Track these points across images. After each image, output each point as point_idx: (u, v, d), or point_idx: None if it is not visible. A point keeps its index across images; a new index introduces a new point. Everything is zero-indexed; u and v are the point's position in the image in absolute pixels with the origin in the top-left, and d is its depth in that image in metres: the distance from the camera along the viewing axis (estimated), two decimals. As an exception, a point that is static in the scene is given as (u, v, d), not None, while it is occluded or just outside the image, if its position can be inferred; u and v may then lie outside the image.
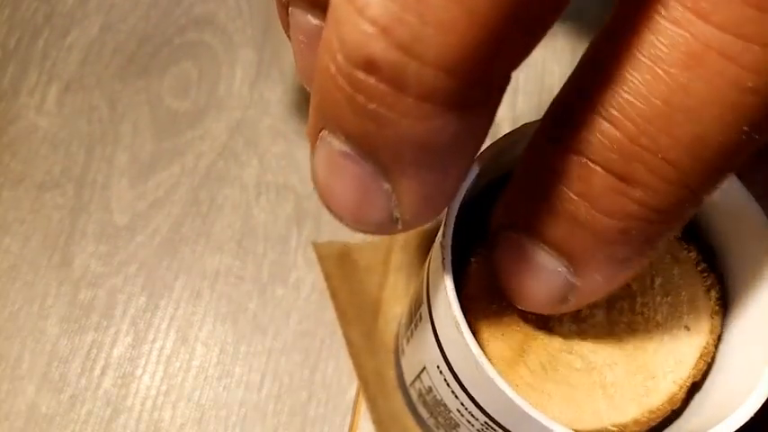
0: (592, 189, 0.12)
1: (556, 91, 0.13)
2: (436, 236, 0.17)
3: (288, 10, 0.15)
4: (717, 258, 0.18)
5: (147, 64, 0.32)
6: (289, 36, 0.16)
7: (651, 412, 0.17)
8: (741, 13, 0.10)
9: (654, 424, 0.17)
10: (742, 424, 0.15)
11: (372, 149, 0.11)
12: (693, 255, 0.18)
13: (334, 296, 0.28)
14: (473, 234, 0.18)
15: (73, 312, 0.27)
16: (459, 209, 0.16)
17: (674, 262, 0.18)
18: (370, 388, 0.26)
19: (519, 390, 0.17)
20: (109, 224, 0.29)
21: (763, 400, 0.15)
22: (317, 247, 0.28)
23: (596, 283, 0.13)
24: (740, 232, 0.17)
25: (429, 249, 0.28)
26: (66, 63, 0.32)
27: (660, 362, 0.17)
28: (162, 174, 0.30)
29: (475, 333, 0.17)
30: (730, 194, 0.17)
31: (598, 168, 0.12)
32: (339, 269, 0.28)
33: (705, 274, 0.18)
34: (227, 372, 0.27)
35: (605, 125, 0.11)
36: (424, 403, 0.21)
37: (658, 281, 0.18)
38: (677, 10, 0.10)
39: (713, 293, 0.18)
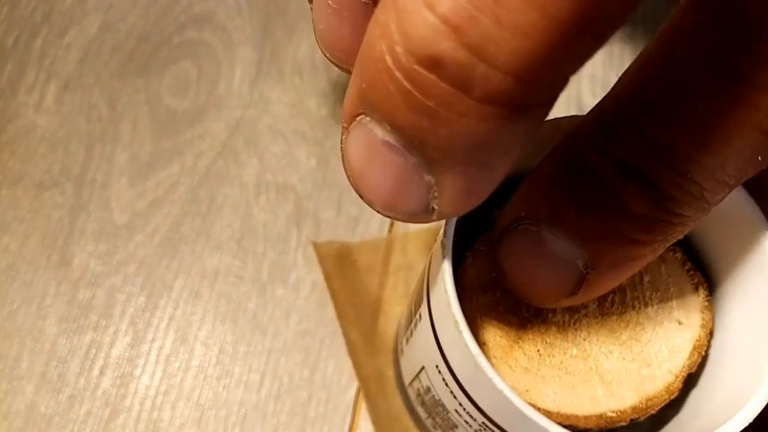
0: (629, 197, 0.13)
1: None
2: (437, 236, 0.17)
3: None
4: (703, 258, 0.19)
5: (147, 63, 0.32)
6: None
7: (649, 399, 0.17)
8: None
9: (653, 411, 0.17)
10: (746, 425, 0.15)
11: (421, 144, 0.11)
12: (679, 255, 0.19)
13: (334, 296, 0.27)
14: (471, 235, 0.18)
15: (72, 312, 0.27)
16: None
17: (660, 261, 0.19)
18: (370, 388, 0.26)
19: (515, 374, 0.17)
20: (108, 223, 0.29)
21: (765, 402, 0.15)
22: (317, 246, 0.28)
23: (607, 277, 0.14)
24: (730, 231, 0.18)
25: (428, 249, 0.28)
26: (64, 61, 0.32)
27: (654, 351, 0.18)
28: (161, 173, 0.30)
29: (471, 322, 0.17)
30: None
31: (639, 180, 0.13)
32: (339, 269, 0.28)
33: (691, 273, 0.19)
34: (226, 371, 0.27)
35: (653, 150, 0.13)
36: (423, 403, 0.21)
37: (647, 278, 0.19)
38: (721, 66, 0.12)
39: (701, 290, 0.18)
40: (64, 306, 0.27)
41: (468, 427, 0.18)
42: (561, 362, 0.17)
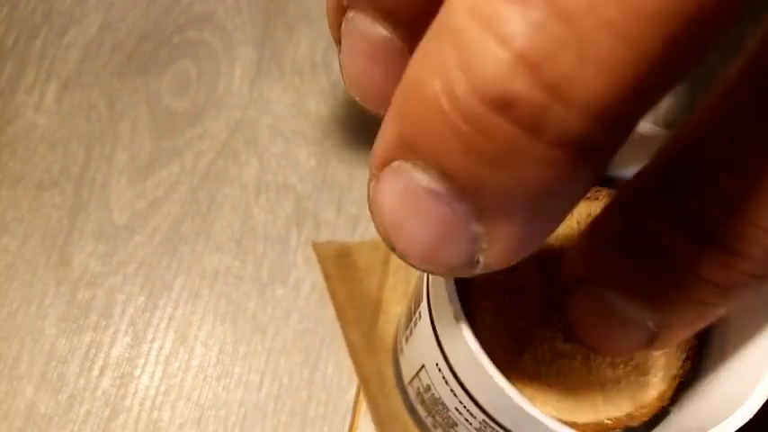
0: (702, 262, 0.12)
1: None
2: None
3: (344, 13, 0.14)
4: None
5: (147, 62, 0.32)
6: (336, 39, 0.15)
7: (643, 407, 0.17)
8: None
9: (645, 419, 0.18)
10: (742, 424, 0.15)
11: (475, 192, 0.10)
12: None
13: (333, 296, 0.27)
14: None
15: (71, 312, 0.27)
16: None
17: None
18: (370, 388, 0.26)
19: (519, 381, 0.17)
20: (108, 223, 0.29)
21: (763, 401, 0.15)
22: (316, 246, 0.28)
23: (681, 333, 0.14)
24: None
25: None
26: (64, 61, 0.32)
27: (652, 359, 0.18)
28: (161, 173, 0.30)
29: (478, 325, 0.17)
30: None
31: (713, 245, 0.12)
32: (338, 269, 0.28)
33: None
34: (226, 372, 0.27)
35: (730, 213, 0.12)
36: (422, 402, 0.21)
37: None
38: None
39: None
40: (63, 306, 0.27)
41: (469, 426, 0.18)
42: (566, 369, 0.17)
